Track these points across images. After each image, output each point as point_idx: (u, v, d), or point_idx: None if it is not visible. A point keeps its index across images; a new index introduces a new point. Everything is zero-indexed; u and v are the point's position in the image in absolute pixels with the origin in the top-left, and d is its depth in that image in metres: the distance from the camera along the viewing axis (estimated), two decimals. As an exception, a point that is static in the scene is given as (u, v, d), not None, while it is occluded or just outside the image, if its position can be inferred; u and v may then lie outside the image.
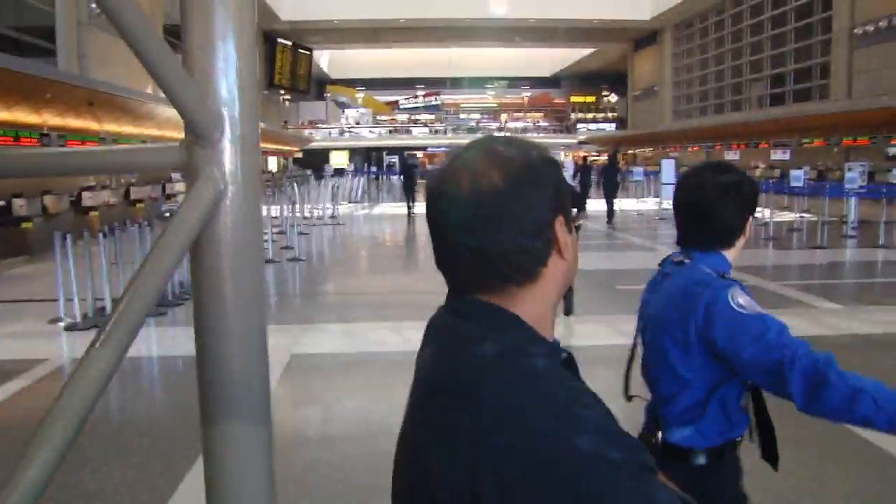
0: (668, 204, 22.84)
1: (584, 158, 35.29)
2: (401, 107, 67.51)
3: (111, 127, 18.58)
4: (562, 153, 50.93)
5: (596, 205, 22.23)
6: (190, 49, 1.12)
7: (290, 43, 47.65)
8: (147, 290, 0.99)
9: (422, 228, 20.25)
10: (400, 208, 25.09)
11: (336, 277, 12.36)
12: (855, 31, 30.05)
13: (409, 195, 24.42)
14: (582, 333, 8.04)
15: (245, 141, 1.14)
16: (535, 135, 61.25)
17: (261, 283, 1.20)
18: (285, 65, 47.79)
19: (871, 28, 29.18)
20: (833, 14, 31.80)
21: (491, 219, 1.00)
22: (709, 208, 2.21)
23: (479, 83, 67.59)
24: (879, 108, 26.86)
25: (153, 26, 0.96)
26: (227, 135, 1.12)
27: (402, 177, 26.94)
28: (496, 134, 1.13)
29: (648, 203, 25.23)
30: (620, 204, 24.42)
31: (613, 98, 65.65)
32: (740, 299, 2.06)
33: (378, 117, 64.95)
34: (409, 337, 7.72)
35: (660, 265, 2.39)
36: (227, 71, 1.11)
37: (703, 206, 2.20)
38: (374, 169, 46.66)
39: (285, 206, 16.65)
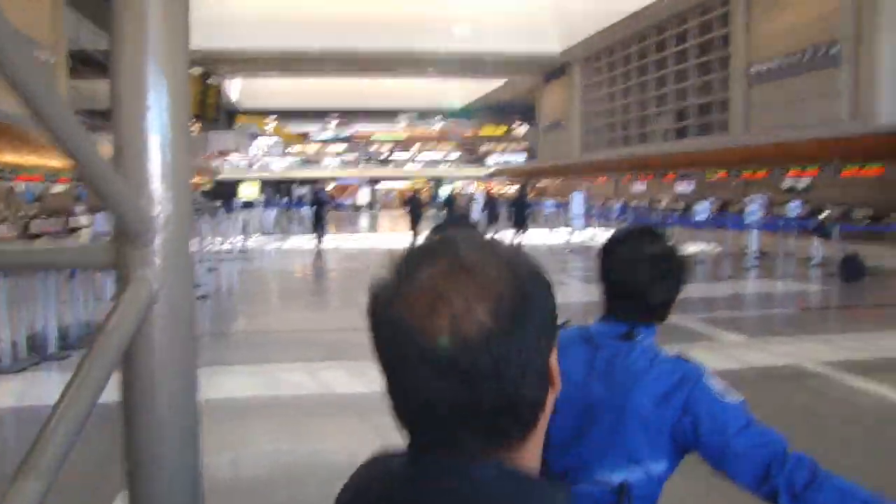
0: (577, 236, 23.57)
1: (489, 192, 35.46)
2: (312, 138, 66.79)
3: (9, 158, 17.82)
4: (473, 185, 51.16)
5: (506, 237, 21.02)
6: (121, 147, 1.09)
7: (199, 71, 46.63)
8: (74, 414, 0.94)
9: (332, 263, 20.07)
10: (310, 242, 24.97)
11: (246, 315, 12.09)
12: (751, 69, 31.13)
13: (318, 228, 24.22)
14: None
15: (179, 240, 1.11)
16: (446, 166, 61.68)
17: (194, 387, 1.17)
18: (194, 94, 46.43)
19: (764, 68, 30.45)
20: (731, 52, 32.90)
21: (486, 373, 0.76)
22: (650, 286, 2.06)
23: (390, 114, 67.04)
24: (775, 142, 27.91)
25: (85, 133, 0.93)
26: (160, 235, 1.09)
27: (312, 209, 26.70)
28: (458, 240, 0.81)
29: (559, 234, 25.19)
30: (531, 235, 24.53)
31: (524, 130, 66.03)
32: (719, 386, 1.95)
33: (289, 148, 64.20)
34: (323, 379, 7.59)
35: (584, 335, 2.12)
36: (161, 170, 1.09)
37: (640, 284, 2.06)
38: (284, 201, 46.26)
39: (193, 241, 16.09)
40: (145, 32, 1.07)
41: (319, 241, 23.75)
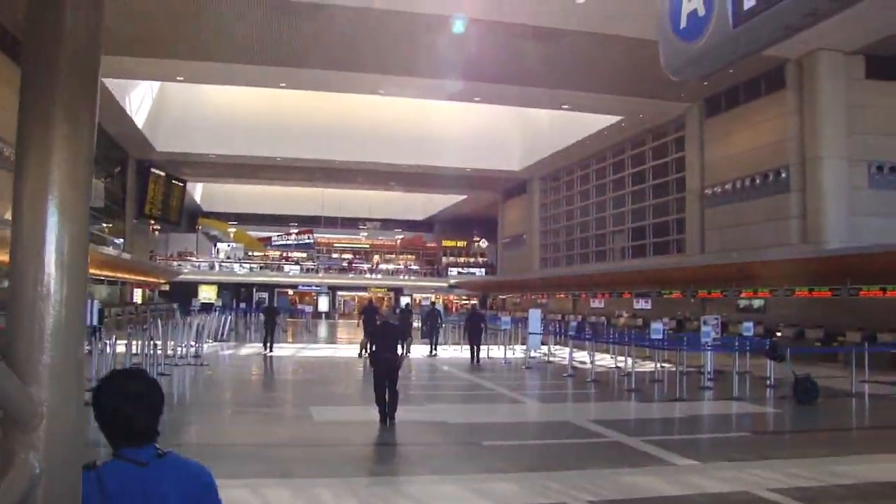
0: (535, 353, 23.53)
1: (432, 304, 35.00)
2: (273, 243, 66.05)
3: None
4: (432, 296, 51.08)
5: (455, 352, 21.88)
6: (13, 335, 1.05)
7: (163, 174, 46.80)
8: None
9: (284, 373, 19.53)
10: (262, 350, 24.54)
11: (194, 426, 11.67)
12: (705, 191, 31.94)
13: (268, 336, 24.04)
14: (447, 498, 7.48)
15: (67, 425, 1.08)
16: (406, 277, 60.61)
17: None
18: (157, 195, 46.82)
19: (718, 189, 31.31)
20: (686, 175, 33.74)
21: None
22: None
23: (352, 223, 66.62)
24: (728, 262, 28.42)
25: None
26: (47, 420, 1.05)
27: (262, 317, 26.60)
28: None
29: (516, 351, 24.63)
30: (488, 351, 24.36)
31: (484, 244, 66.00)
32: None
33: (250, 252, 63.50)
34: (268, 498, 7.27)
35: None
36: (51, 359, 1.05)
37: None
38: (243, 305, 45.60)
39: (147, 344, 15.72)
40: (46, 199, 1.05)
41: (269, 349, 23.64)
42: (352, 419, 11.81)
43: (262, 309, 27.99)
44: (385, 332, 11.47)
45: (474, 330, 22.28)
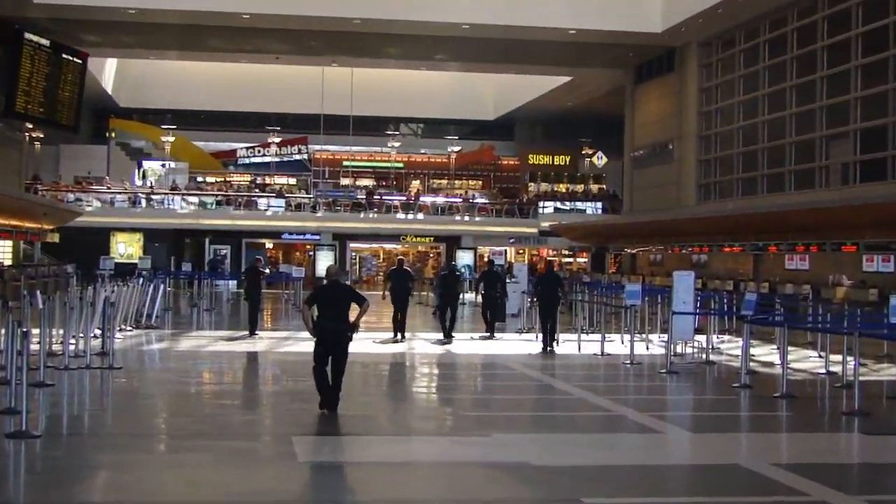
0: (685, 346, 20.00)
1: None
2: (240, 161, 54.95)
3: None
4: (507, 251, 43.63)
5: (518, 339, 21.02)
6: None
7: (46, 42, 37.55)
8: None
9: (248, 380, 16.90)
10: (234, 342, 20.72)
11: (99, 473, 9.33)
12: None
13: (253, 317, 21.77)
14: None
15: None
16: (466, 218, 51.01)
17: None
18: (38, 79, 37.64)
19: None
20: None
21: None
22: None
23: (375, 126, 54.83)
24: None
25: None
26: None
27: (244, 285, 25.30)
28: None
29: (652, 344, 20.26)
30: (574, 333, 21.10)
31: (601, 159, 55.28)
32: None
33: (199, 178, 53.20)
34: None
35: None
36: None
37: None
38: (187, 267, 37.58)
39: (13, 337, 12.41)
40: None
41: (253, 335, 21.57)
42: (359, 458, 9.88)
43: (245, 272, 25.95)
44: (334, 294, 11.45)
45: (548, 299, 19.62)
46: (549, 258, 50.53)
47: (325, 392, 10.95)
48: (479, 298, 24.47)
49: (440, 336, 19.16)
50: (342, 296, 11.29)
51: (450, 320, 19.77)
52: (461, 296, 24.82)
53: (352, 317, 11.15)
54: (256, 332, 21.40)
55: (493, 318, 22.52)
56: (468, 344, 20.86)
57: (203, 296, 31.37)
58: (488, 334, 22.13)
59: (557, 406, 13.70)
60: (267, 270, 30.31)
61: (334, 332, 11.02)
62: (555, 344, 19.33)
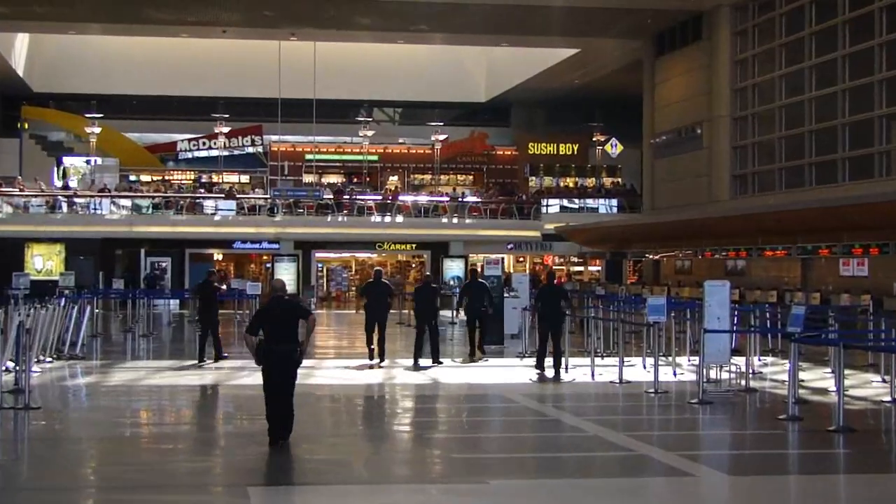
0: (719, 370, 19.57)
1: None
2: (181, 156, 51.69)
3: None
4: (505, 259, 41.45)
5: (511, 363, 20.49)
6: None
7: None
8: None
9: (196, 419, 16.02)
10: (177, 374, 20.05)
11: None
12: None
13: (206, 335, 20.89)
14: None
15: None
16: (455, 220, 47.12)
17: None
18: None
19: None
20: None
21: None
22: None
23: (344, 112, 51.35)
24: None
25: None
26: None
27: (197, 302, 23.69)
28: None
29: (682, 368, 19.86)
30: (593, 360, 20.22)
31: (615, 147, 51.62)
32: None
33: (133, 176, 50.06)
34: None
35: None
36: None
37: None
38: (119, 284, 36.15)
39: None
40: None
41: (201, 363, 20.68)
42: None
43: (197, 288, 24.63)
44: (279, 312, 11.28)
45: (550, 316, 18.95)
46: (553, 267, 48.46)
47: (273, 424, 10.86)
48: (463, 315, 23.54)
49: (428, 361, 18.48)
50: (289, 313, 11.22)
51: (430, 343, 18.93)
52: (455, 313, 23.06)
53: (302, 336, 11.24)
54: (222, 357, 20.72)
55: (481, 337, 21.72)
56: (459, 371, 20.32)
57: (139, 318, 30.13)
58: (472, 357, 21.27)
59: (566, 445, 13.14)
60: (224, 287, 28.91)
61: (281, 356, 11.01)
62: (561, 370, 18.71)
